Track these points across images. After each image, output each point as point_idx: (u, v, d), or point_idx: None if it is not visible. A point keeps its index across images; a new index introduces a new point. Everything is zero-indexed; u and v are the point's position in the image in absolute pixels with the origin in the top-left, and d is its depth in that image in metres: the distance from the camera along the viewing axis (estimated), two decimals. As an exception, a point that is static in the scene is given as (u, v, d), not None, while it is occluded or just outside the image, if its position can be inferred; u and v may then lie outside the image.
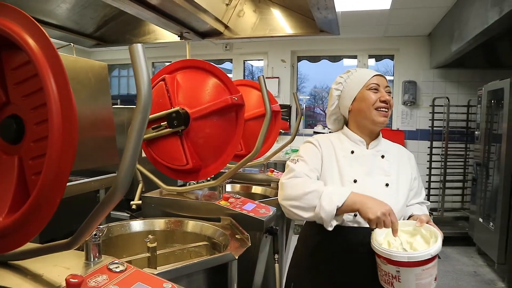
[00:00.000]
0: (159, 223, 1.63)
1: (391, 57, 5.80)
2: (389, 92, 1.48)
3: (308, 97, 7.25)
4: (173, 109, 1.86)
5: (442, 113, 5.27)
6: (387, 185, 1.43)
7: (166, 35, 3.11)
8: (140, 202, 1.88)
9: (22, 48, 0.81)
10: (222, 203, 1.77)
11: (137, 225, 1.59)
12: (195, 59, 2.05)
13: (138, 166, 2.01)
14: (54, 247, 0.90)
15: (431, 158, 5.38)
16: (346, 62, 6.28)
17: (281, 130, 5.26)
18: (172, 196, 1.87)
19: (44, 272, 0.93)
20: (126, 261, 1.36)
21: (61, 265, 0.97)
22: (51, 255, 0.96)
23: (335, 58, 6.12)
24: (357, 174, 1.43)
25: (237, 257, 1.25)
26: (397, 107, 5.55)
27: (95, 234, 0.98)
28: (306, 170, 1.43)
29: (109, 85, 2.30)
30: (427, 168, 5.37)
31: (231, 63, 6.13)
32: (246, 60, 6.16)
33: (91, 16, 2.96)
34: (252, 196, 2.62)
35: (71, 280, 0.81)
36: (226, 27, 3.04)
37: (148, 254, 1.39)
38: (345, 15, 4.32)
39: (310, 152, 1.50)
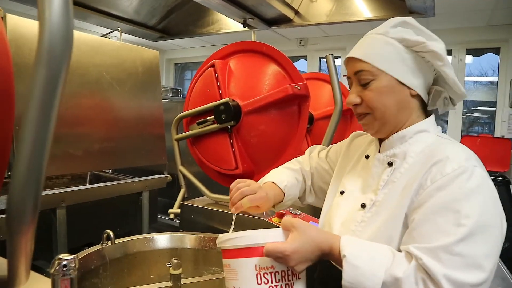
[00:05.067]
0: (190, 240, 1.31)
1: (496, 51, 4.91)
2: (365, 81, 0.90)
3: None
4: (221, 101, 1.54)
5: None
6: (362, 206, 0.92)
7: (230, 25, 2.85)
8: (178, 211, 1.59)
9: None
10: (275, 220, 1.39)
11: (162, 241, 1.28)
12: (252, 41, 1.71)
13: (181, 168, 1.72)
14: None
15: (547, 173, 4.41)
16: (437, 59, 5.50)
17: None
18: (215, 206, 1.55)
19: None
20: (141, 291, 1.07)
21: (16, 306, 0.67)
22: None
23: (424, 54, 5.38)
24: (351, 184, 1.00)
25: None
26: (503, 110, 4.66)
27: (65, 266, 0.67)
28: (317, 150, 1.24)
29: (160, 76, 2.06)
30: (542, 186, 4.40)
31: (306, 60, 5.73)
32: (321, 57, 5.70)
33: (154, 6, 2.80)
34: (319, 212, 2.19)
35: None
36: (297, 13, 2.67)
37: (169, 284, 1.06)
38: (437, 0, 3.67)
39: (340, 144, 1.20)
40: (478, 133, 5.03)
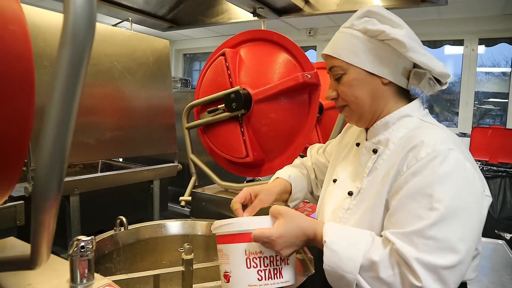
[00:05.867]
0: (202, 226, 1.33)
1: (510, 41, 4.82)
2: (338, 76, 0.92)
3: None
4: (232, 89, 1.55)
5: None
6: (349, 194, 0.95)
7: (239, 14, 2.82)
8: (189, 198, 1.61)
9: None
10: (285, 207, 1.40)
11: (174, 227, 1.30)
12: (263, 29, 1.71)
13: (192, 156, 1.74)
14: (13, 265, 0.63)
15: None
16: (448, 49, 5.41)
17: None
18: (225, 194, 1.56)
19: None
20: (154, 275, 1.09)
21: (37, 285, 0.70)
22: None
23: (435, 44, 5.30)
24: (343, 173, 1.03)
25: (291, 292, 0.88)
26: (516, 101, 4.59)
27: (82, 247, 0.69)
28: (316, 148, 1.30)
29: (170, 66, 2.07)
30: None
31: (315, 50, 5.69)
32: (331, 48, 5.66)
33: (163, -5, 2.80)
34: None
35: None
36: (307, 2, 2.65)
37: (182, 268, 1.08)
38: (452, -11, 3.60)
39: (337, 138, 1.22)
40: (489, 125, 4.96)
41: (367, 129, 0.99)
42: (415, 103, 0.94)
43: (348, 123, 1.15)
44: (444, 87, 0.92)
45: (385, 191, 0.84)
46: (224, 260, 0.84)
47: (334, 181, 1.03)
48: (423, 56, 0.86)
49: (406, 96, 0.95)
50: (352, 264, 0.74)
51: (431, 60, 0.87)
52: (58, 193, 0.40)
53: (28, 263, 0.59)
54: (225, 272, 0.83)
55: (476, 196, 0.78)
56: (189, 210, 1.85)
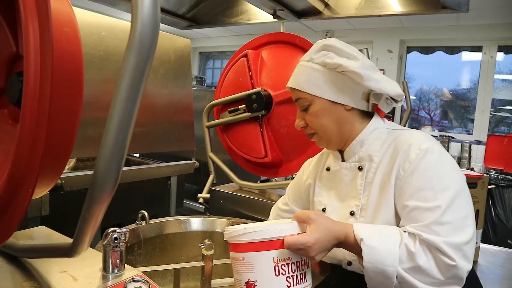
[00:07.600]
0: (221, 224, 1.36)
1: (529, 49, 4.76)
2: (304, 107, 0.99)
3: (414, 97, 6.44)
4: (253, 90, 1.58)
5: None
6: (351, 213, 0.97)
7: (259, 15, 2.84)
8: (208, 195, 1.64)
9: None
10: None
11: (194, 223, 1.33)
12: (285, 32, 1.73)
13: (211, 154, 1.77)
14: (53, 252, 0.66)
15: None
16: (466, 55, 5.35)
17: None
18: (243, 192, 1.59)
19: (46, 278, 0.71)
20: (175, 269, 1.12)
21: (71, 272, 0.73)
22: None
23: (453, 50, 5.25)
24: (327, 199, 1.06)
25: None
26: (532, 110, 4.52)
27: (116, 238, 0.72)
28: (280, 205, 1.23)
29: (190, 65, 2.10)
30: None
31: (331, 53, 5.69)
32: (347, 50, 5.65)
33: (184, -6, 2.83)
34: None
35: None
36: (326, 5, 2.65)
37: (202, 263, 1.11)
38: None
39: (295, 178, 1.23)
40: (504, 133, 4.90)
41: (341, 151, 1.04)
42: (376, 116, 1.02)
43: (301, 167, 1.21)
44: (400, 104, 1.00)
45: (390, 198, 0.90)
46: (246, 268, 0.80)
47: (324, 210, 1.05)
48: (379, 83, 0.93)
49: (369, 114, 1.02)
50: (392, 256, 0.78)
51: (386, 84, 0.94)
52: (114, 188, 0.43)
53: (68, 251, 0.62)
54: (248, 281, 0.80)
55: (461, 176, 0.89)
56: (203, 207, 1.89)
